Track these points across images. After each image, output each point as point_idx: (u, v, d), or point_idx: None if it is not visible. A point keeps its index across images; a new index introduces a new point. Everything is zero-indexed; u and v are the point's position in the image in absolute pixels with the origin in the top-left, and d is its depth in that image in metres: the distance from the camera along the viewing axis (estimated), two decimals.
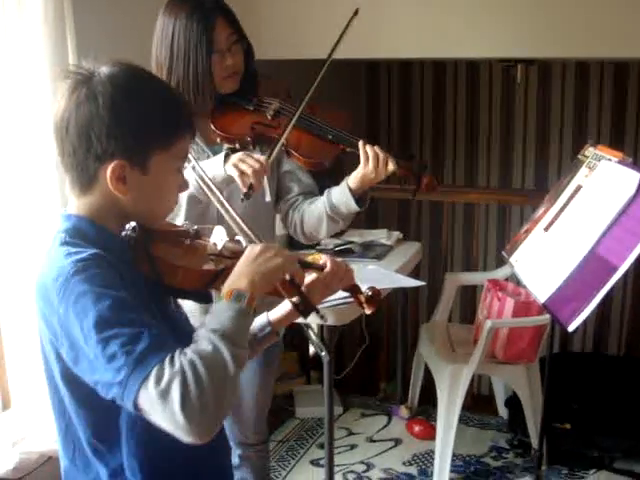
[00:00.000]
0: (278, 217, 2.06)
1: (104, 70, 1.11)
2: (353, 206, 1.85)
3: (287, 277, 1.16)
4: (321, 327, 2.68)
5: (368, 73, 4.81)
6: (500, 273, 3.28)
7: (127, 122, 1.07)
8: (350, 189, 1.83)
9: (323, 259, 1.30)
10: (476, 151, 4.69)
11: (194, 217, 1.81)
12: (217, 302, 1.08)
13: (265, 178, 1.82)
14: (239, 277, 1.10)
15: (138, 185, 1.12)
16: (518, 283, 3.01)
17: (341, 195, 1.86)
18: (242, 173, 1.70)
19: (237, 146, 1.86)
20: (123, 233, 1.14)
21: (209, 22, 1.79)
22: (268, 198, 1.91)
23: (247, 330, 1.06)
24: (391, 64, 4.73)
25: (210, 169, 1.72)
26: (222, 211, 1.39)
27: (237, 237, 1.29)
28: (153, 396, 0.95)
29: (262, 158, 1.72)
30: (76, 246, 1.07)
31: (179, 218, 1.82)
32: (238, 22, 1.86)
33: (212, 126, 1.86)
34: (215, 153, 1.87)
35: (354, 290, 1.33)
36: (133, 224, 1.15)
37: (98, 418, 1.10)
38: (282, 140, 1.81)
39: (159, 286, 1.13)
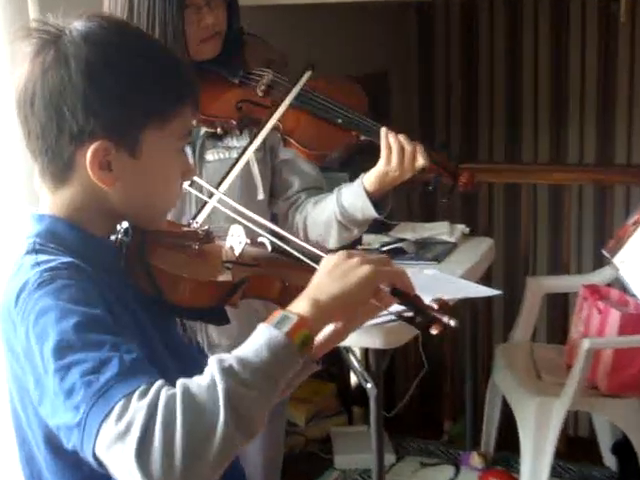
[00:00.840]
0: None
1: (77, 26, 1.10)
2: (371, 212, 1.84)
3: (385, 288, 1.10)
4: (365, 351, 2.69)
5: (420, 19, 4.79)
6: (599, 277, 3.22)
7: (109, 91, 1.07)
8: (366, 190, 1.83)
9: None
10: (565, 116, 4.58)
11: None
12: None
13: (255, 168, 1.82)
14: (301, 298, 1.06)
15: (128, 173, 1.11)
16: (624, 290, 2.95)
17: (355, 198, 1.85)
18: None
19: (218, 130, 1.84)
20: (112, 237, 1.14)
21: None
22: (261, 196, 1.90)
23: (278, 370, 0.98)
24: (450, 4, 4.68)
25: None
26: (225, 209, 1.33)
27: (260, 239, 1.30)
28: (110, 437, 0.90)
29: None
30: (48, 254, 1.07)
31: (186, 215, 1.82)
32: None
33: None
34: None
35: (414, 303, 1.32)
36: (125, 225, 1.14)
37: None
38: (271, 122, 1.78)
39: (160, 303, 1.13)
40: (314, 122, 1.84)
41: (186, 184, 1.37)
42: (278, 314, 1.03)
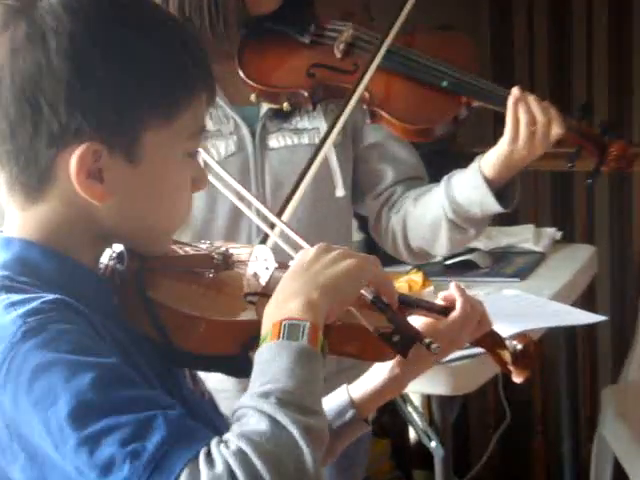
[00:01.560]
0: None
1: None
2: (493, 206, 1.86)
3: (368, 295, 1.18)
4: (427, 398, 2.66)
5: None
6: None
7: (99, 77, 1.08)
8: (486, 178, 1.84)
9: (446, 294, 1.33)
10: None
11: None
12: (261, 346, 1.09)
13: (333, 156, 1.83)
14: (287, 298, 1.11)
15: (124, 183, 1.12)
16: None
17: (472, 189, 1.86)
18: None
19: (284, 106, 1.88)
20: (102, 265, 1.17)
21: None
22: (341, 192, 1.92)
23: (319, 384, 1.07)
24: None
25: None
26: (250, 215, 1.40)
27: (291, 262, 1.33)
28: None
29: None
30: (22, 291, 1.07)
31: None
32: None
33: (241, 72, 1.89)
34: (246, 118, 1.89)
35: (492, 343, 1.35)
36: (119, 249, 1.17)
37: None
38: (360, 89, 1.81)
39: (165, 351, 1.15)
40: (412, 87, 1.88)
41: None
42: (280, 325, 1.08)
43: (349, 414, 1.37)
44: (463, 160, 1.94)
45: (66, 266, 1.13)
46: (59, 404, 0.98)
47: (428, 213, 1.92)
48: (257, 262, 1.28)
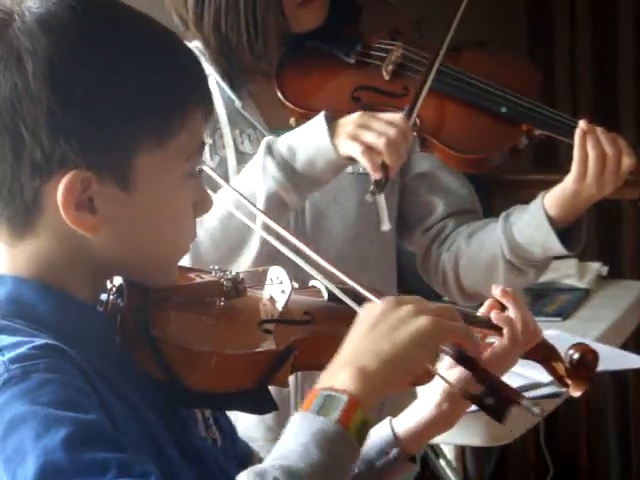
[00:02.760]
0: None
1: (33, 7, 1.09)
2: (557, 248, 1.84)
3: (450, 351, 1.13)
4: (461, 450, 2.59)
5: None
6: None
7: (83, 100, 1.07)
8: (550, 217, 1.82)
9: (492, 303, 1.30)
10: None
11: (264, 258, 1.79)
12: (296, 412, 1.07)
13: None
14: (340, 365, 1.08)
15: (118, 212, 1.11)
16: None
17: (533, 228, 1.86)
18: (368, 148, 1.70)
19: None
20: (103, 300, 1.17)
21: None
22: (386, 226, 1.88)
23: (337, 473, 1.02)
24: None
25: (302, 148, 1.76)
26: (282, 249, 1.34)
27: (312, 282, 1.31)
28: None
29: (398, 117, 1.76)
30: (14, 332, 1.07)
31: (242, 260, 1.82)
32: None
33: (280, 94, 1.88)
34: None
35: (545, 355, 1.33)
36: (118, 282, 1.17)
37: None
38: (421, 97, 1.78)
39: (173, 391, 1.14)
40: (466, 113, 1.87)
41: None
42: (317, 394, 1.03)
43: (393, 452, 1.32)
44: (495, 187, 1.86)
45: (63, 304, 1.12)
46: (27, 463, 0.97)
47: (483, 252, 1.91)
48: (272, 285, 1.27)
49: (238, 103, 1.88)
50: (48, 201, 1.09)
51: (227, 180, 1.79)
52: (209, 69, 1.85)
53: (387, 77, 1.88)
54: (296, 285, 1.31)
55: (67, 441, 0.97)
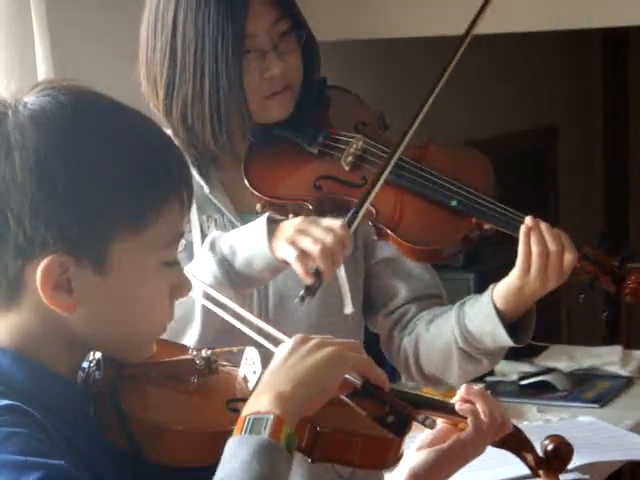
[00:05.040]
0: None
1: (29, 103, 1.18)
2: (504, 339, 1.88)
3: (356, 380, 1.22)
4: None
5: (609, 52, 4.90)
6: None
7: (64, 192, 1.14)
8: (497, 309, 1.87)
9: (459, 401, 1.37)
10: None
11: (212, 334, 1.84)
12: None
13: (342, 270, 1.87)
14: (259, 393, 1.17)
15: (94, 295, 1.18)
16: None
17: (483, 319, 1.89)
18: (303, 253, 1.74)
19: (290, 217, 1.92)
20: (81, 371, 1.22)
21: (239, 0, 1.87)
22: (349, 309, 1.96)
23: (284, 477, 1.12)
24: None
25: (242, 247, 1.81)
26: (243, 328, 1.44)
27: (243, 331, 1.41)
28: None
29: (337, 225, 1.78)
30: None
31: (191, 333, 1.87)
32: None
33: (247, 182, 1.95)
34: None
35: (517, 445, 1.38)
36: (97, 356, 1.23)
37: None
38: (369, 200, 1.85)
39: (137, 463, 1.20)
40: (420, 205, 1.92)
41: None
42: (245, 419, 1.13)
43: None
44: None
45: (37, 374, 1.18)
46: None
47: (440, 339, 1.94)
48: (246, 365, 1.33)
49: (207, 189, 1.93)
50: (29, 280, 1.16)
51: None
52: None
53: (347, 168, 1.94)
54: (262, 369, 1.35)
55: None
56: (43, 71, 2.40)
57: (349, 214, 1.83)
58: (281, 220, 1.82)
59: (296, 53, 1.93)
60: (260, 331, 1.40)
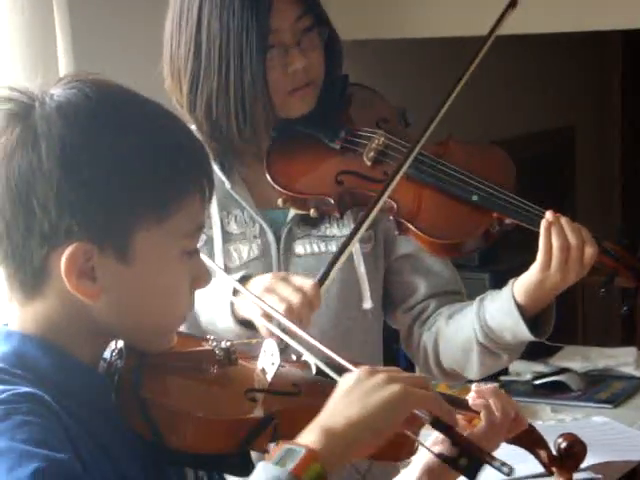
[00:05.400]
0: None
1: (53, 94, 1.20)
2: (525, 334, 1.90)
3: (425, 417, 1.19)
4: None
5: (627, 53, 4.92)
6: None
7: (89, 181, 1.17)
8: (518, 304, 1.89)
9: (474, 396, 1.38)
10: None
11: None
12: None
13: (362, 265, 1.90)
14: (311, 428, 1.16)
15: (117, 283, 1.20)
16: None
17: (503, 314, 1.91)
18: (267, 313, 1.63)
19: (312, 213, 1.96)
20: (105, 360, 1.25)
21: None
22: (368, 304, 1.98)
23: None
24: None
25: (207, 305, 1.80)
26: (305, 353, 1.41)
27: (305, 357, 1.39)
28: None
29: (307, 284, 1.76)
30: (5, 382, 1.15)
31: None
32: None
33: (268, 177, 1.98)
34: (273, 222, 1.98)
35: (531, 442, 1.39)
36: (119, 345, 1.26)
37: None
38: (381, 201, 1.87)
39: (158, 450, 1.22)
40: (441, 200, 1.94)
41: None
42: (281, 448, 1.12)
43: None
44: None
45: (62, 361, 1.20)
46: None
47: (460, 334, 1.96)
48: (265, 357, 1.34)
49: (228, 184, 1.96)
50: (54, 268, 1.18)
51: (212, 258, 1.88)
52: None
53: (368, 163, 1.95)
54: (294, 357, 1.39)
55: (36, 474, 1.05)
56: (64, 65, 2.42)
57: (321, 272, 1.82)
58: (251, 277, 1.82)
59: (318, 49, 1.96)
60: (323, 356, 1.37)
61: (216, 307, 1.81)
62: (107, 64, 2.52)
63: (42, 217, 1.16)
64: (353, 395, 1.17)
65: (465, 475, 1.20)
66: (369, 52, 3.40)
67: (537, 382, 3.13)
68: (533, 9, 3.09)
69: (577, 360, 3.26)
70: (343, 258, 1.84)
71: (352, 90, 2.06)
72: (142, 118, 1.22)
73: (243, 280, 1.80)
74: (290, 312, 1.70)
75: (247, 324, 1.77)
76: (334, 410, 1.17)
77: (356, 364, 1.29)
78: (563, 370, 3.17)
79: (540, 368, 3.19)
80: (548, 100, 4.48)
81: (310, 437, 1.13)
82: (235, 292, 1.77)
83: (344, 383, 1.20)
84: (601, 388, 3.10)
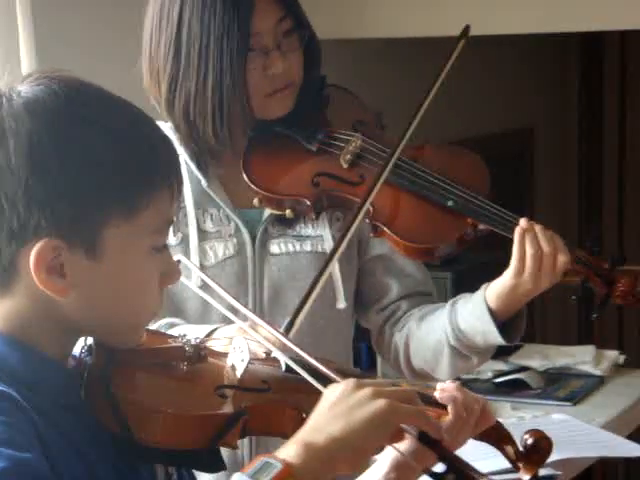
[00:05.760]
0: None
1: (22, 91, 1.20)
2: (495, 338, 1.93)
3: (412, 432, 1.19)
4: None
5: (583, 56, 4.96)
6: None
7: (57, 177, 1.17)
8: (490, 309, 1.91)
9: (440, 391, 1.39)
10: None
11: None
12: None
13: (335, 266, 1.91)
14: (291, 441, 1.15)
15: (86, 279, 1.20)
16: None
17: (475, 317, 1.93)
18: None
19: (287, 213, 1.97)
20: (72, 357, 1.25)
21: None
22: (342, 304, 2.00)
23: None
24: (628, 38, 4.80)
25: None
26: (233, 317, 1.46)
27: (274, 353, 1.41)
28: None
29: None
30: None
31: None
32: None
33: (245, 177, 2.00)
34: (248, 221, 2.00)
35: (497, 437, 1.41)
36: (89, 342, 1.26)
37: None
38: (365, 207, 1.89)
39: (128, 446, 1.23)
40: (416, 204, 1.96)
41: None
42: (259, 460, 1.12)
43: None
44: None
45: (31, 358, 1.20)
46: None
47: (431, 336, 1.98)
48: (235, 353, 1.35)
49: (204, 182, 1.97)
50: (23, 264, 1.18)
51: (187, 256, 1.89)
52: (179, 149, 1.93)
53: (345, 165, 1.98)
54: (263, 354, 1.40)
55: (1, 475, 1.05)
56: (26, 61, 2.43)
57: (285, 323, 1.81)
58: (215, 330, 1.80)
59: (298, 52, 1.97)
60: (309, 368, 1.36)
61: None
62: (69, 60, 2.53)
63: (10, 213, 1.17)
64: (337, 409, 1.17)
65: None
66: (345, 52, 3.43)
67: (497, 380, 3.16)
68: (495, 11, 3.15)
69: (536, 358, 3.29)
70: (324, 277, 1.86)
71: (329, 91, 2.08)
72: (109, 114, 1.23)
73: (209, 334, 1.77)
74: None
75: None
76: (317, 424, 1.16)
77: (344, 374, 1.30)
78: (523, 368, 3.20)
79: (500, 366, 3.22)
80: (508, 101, 4.51)
81: (289, 451, 1.13)
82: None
83: (329, 396, 1.19)
84: (560, 386, 3.13)
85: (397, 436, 1.20)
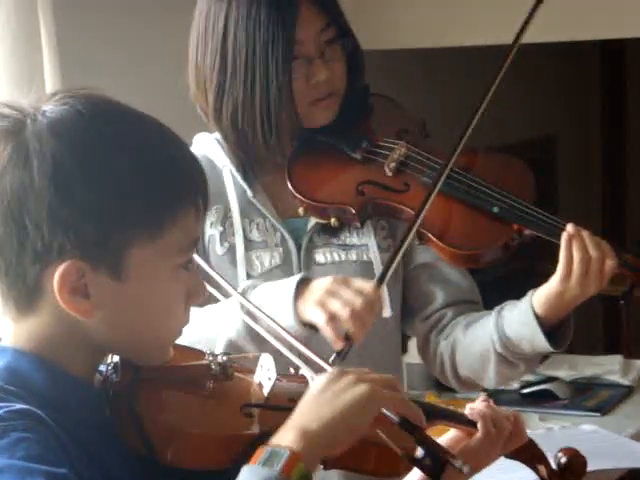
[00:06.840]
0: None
1: (47, 111, 1.20)
2: (543, 345, 1.93)
3: (394, 417, 1.21)
4: None
5: (604, 65, 4.98)
6: None
7: (81, 199, 1.17)
8: (537, 315, 1.92)
9: (470, 408, 1.40)
10: None
11: None
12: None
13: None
14: (288, 428, 1.17)
15: (111, 299, 1.21)
16: None
17: (522, 324, 1.94)
18: (332, 317, 1.77)
19: (332, 222, 1.99)
20: (98, 374, 1.26)
21: (289, 7, 1.94)
22: (387, 313, 2.00)
23: None
24: None
25: (267, 306, 1.80)
26: (269, 338, 1.47)
27: (302, 371, 1.40)
28: None
29: (367, 287, 1.83)
30: (3, 400, 1.15)
31: None
32: (337, 5, 2.02)
33: (290, 186, 2.02)
34: (294, 230, 2.02)
35: (530, 457, 1.41)
36: (115, 360, 1.27)
37: None
38: (419, 221, 1.89)
39: (152, 466, 1.23)
40: (462, 211, 1.98)
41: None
42: (263, 451, 1.13)
43: None
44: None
45: (56, 377, 1.21)
46: None
47: (477, 344, 1.99)
48: (262, 371, 1.35)
49: (250, 193, 1.99)
50: (47, 285, 1.18)
51: (234, 266, 1.95)
52: (225, 160, 1.99)
53: (390, 173, 2.00)
54: (292, 371, 1.40)
55: None
56: (50, 77, 2.45)
57: (379, 273, 1.89)
58: (311, 280, 1.86)
59: (341, 61, 2.00)
60: (300, 355, 1.42)
61: (277, 310, 1.81)
62: (94, 77, 2.56)
63: (35, 234, 1.17)
64: (325, 396, 1.20)
65: (429, 475, 1.22)
66: (389, 62, 3.44)
67: (524, 391, 3.16)
68: (517, 20, 3.15)
69: (564, 368, 3.30)
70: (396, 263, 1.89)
71: (373, 100, 2.11)
72: (134, 134, 1.23)
73: (303, 282, 1.85)
74: (354, 315, 1.76)
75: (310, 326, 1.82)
76: (307, 410, 1.19)
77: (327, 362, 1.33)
78: (550, 378, 3.21)
79: (527, 377, 3.20)
80: (529, 110, 4.51)
81: (288, 439, 1.15)
82: (297, 296, 1.82)
83: (316, 384, 1.23)
84: (588, 396, 3.14)
85: (381, 422, 1.22)
